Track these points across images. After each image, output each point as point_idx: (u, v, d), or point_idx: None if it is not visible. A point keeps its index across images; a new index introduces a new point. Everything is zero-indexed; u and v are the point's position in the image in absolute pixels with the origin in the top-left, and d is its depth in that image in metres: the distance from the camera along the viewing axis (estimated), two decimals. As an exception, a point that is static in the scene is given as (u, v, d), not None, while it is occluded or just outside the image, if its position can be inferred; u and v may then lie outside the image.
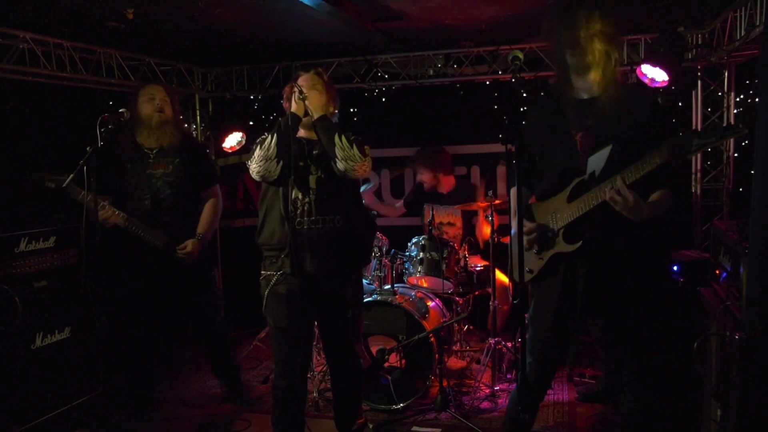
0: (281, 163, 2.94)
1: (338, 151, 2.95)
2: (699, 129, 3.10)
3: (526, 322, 2.64)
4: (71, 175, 3.02)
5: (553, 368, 2.81)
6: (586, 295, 2.55)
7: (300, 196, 3.01)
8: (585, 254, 2.51)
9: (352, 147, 2.95)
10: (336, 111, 3.22)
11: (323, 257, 3.02)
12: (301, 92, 3.01)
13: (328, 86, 3.15)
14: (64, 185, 3.19)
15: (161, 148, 3.69)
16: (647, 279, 2.61)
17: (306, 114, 3.05)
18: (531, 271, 2.68)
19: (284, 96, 3.22)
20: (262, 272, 3.10)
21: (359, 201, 3.36)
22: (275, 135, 2.94)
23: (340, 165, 2.97)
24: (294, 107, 3.03)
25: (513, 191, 2.66)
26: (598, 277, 2.53)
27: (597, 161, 2.48)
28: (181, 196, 3.71)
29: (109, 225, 3.53)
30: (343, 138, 2.96)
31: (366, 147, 3.03)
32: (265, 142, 2.94)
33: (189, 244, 3.69)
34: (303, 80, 3.13)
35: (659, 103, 2.67)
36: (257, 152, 2.96)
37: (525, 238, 2.59)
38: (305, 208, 3.01)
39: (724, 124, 4.58)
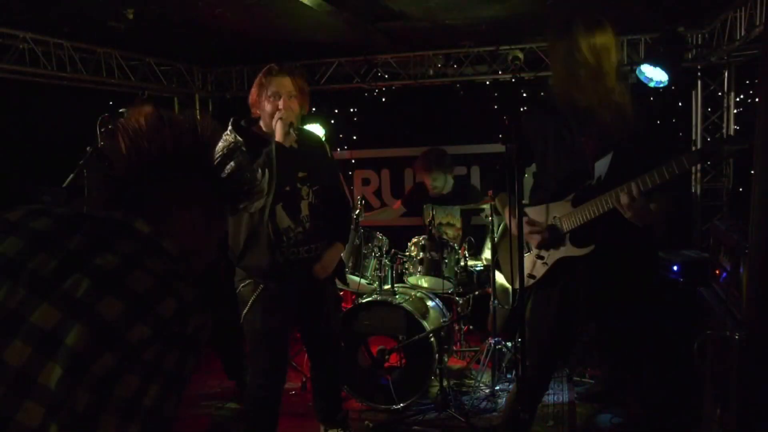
0: (271, 195, 2.73)
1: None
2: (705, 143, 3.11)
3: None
4: (71, 176, 3.01)
5: (552, 370, 2.81)
6: (589, 300, 2.55)
7: (292, 225, 2.87)
8: (593, 258, 2.50)
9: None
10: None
11: (312, 279, 2.97)
12: (291, 125, 2.81)
13: (302, 90, 2.89)
14: (64, 185, 3.16)
15: None
16: (645, 281, 2.62)
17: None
18: (533, 276, 2.64)
19: (254, 100, 2.89)
20: (240, 279, 2.95)
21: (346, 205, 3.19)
22: (266, 171, 2.67)
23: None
24: (278, 135, 2.78)
25: (500, 197, 2.77)
26: (600, 281, 2.52)
27: (601, 167, 2.47)
28: None
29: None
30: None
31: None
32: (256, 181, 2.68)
33: None
34: (279, 88, 2.81)
35: (658, 110, 2.67)
36: None
37: (534, 237, 2.58)
38: (298, 238, 2.88)
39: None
